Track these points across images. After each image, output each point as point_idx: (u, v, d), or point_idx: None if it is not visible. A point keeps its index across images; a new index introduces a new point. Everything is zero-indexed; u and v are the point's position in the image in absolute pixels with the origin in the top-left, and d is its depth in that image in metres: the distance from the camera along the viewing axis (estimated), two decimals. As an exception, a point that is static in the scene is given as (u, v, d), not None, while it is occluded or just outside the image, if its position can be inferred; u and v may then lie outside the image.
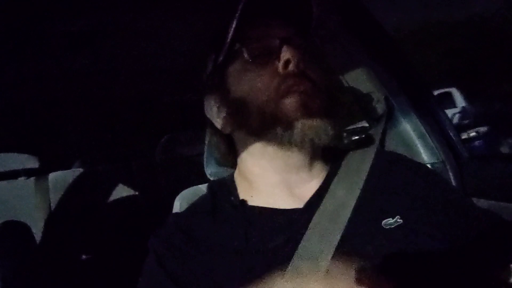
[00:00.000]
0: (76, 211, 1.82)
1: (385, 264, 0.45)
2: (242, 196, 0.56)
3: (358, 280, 0.43)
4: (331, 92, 0.54)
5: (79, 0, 0.82)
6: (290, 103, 0.49)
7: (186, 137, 1.96)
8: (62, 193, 1.83)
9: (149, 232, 0.55)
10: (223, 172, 0.66)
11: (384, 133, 0.84)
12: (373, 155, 0.59)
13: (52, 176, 1.86)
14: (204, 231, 0.51)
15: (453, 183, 0.78)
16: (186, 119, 2.15)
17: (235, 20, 0.48)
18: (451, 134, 0.84)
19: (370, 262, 0.45)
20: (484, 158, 0.80)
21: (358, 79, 0.88)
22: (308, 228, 0.49)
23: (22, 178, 1.76)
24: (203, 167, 0.70)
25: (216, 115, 0.57)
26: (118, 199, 1.95)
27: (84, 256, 1.81)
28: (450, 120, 0.86)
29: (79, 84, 1.51)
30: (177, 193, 0.71)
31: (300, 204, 0.52)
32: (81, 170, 2.03)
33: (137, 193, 1.97)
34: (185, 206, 0.63)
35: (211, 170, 0.69)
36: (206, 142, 0.67)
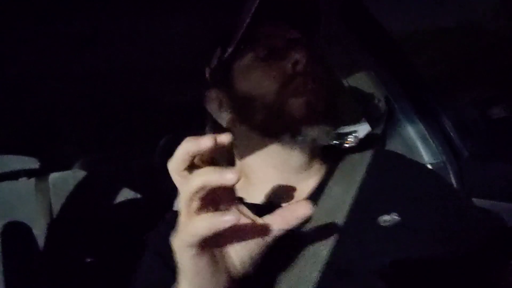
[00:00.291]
0: (76, 211, 1.83)
1: (381, 261, 0.44)
2: (239, 192, 0.56)
3: (355, 277, 0.43)
4: (332, 93, 0.55)
5: (79, 1, 0.82)
6: (296, 102, 0.50)
7: (187, 138, 1.96)
8: (63, 193, 1.84)
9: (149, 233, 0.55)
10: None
11: (384, 133, 0.84)
12: (371, 154, 0.59)
13: (52, 176, 1.86)
14: None
15: (454, 183, 0.78)
16: (186, 120, 2.14)
17: (248, 18, 0.49)
18: (451, 134, 0.84)
19: (367, 259, 0.45)
20: (484, 158, 0.80)
21: (359, 80, 0.88)
22: (305, 225, 0.49)
23: (22, 179, 1.76)
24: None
25: (217, 109, 0.58)
26: (118, 199, 1.95)
27: (84, 257, 1.81)
28: (451, 120, 0.86)
29: (80, 85, 1.51)
30: (178, 194, 0.71)
31: None
32: (81, 171, 2.03)
33: (137, 193, 1.97)
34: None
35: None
36: None
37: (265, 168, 0.55)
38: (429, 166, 0.79)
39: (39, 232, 1.62)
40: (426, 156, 0.80)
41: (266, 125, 0.52)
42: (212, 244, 0.34)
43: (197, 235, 0.31)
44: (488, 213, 0.57)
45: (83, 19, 0.93)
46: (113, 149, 2.36)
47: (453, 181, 0.78)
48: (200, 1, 0.89)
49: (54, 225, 1.74)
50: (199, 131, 0.62)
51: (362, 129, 0.85)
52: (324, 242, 0.46)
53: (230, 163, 0.63)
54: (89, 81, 1.46)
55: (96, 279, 1.76)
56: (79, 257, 1.80)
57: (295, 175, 0.55)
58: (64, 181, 1.87)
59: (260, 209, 0.52)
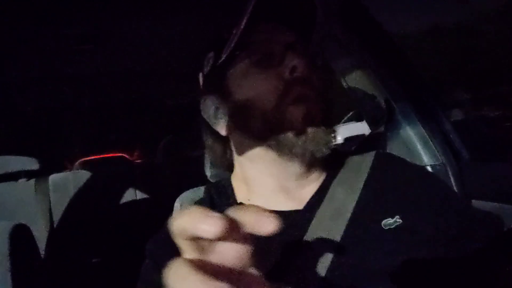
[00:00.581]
0: (76, 212, 1.82)
1: (385, 264, 0.45)
2: (240, 199, 0.56)
3: (360, 281, 0.43)
4: (329, 98, 0.54)
5: (80, 3, 0.83)
6: (296, 111, 0.49)
7: (187, 139, 1.97)
8: (63, 194, 1.83)
9: (149, 233, 0.55)
10: (224, 174, 0.66)
11: (384, 135, 0.84)
12: (372, 157, 0.59)
13: (52, 177, 1.86)
14: None
15: (454, 185, 0.78)
16: (187, 121, 2.15)
17: (243, 23, 0.48)
18: (451, 136, 0.84)
19: (370, 262, 0.45)
20: (484, 160, 0.80)
21: (358, 81, 0.88)
22: (309, 229, 0.49)
23: (22, 180, 1.76)
24: (203, 169, 0.69)
25: (214, 116, 0.56)
26: (118, 200, 1.95)
27: (84, 258, 1.81)
28: (451, 122, 0.86)
29: (81, 87, 1.51)
30: (178, 195, 0.71)
31: (299, 206, 0.52)
32: (81, 171, 2.03)
33: (137, 195, 1.97)
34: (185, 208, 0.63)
35: (211, 172, 0.68)
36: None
37: (264, 177, 0.54)
38: (429, 168, 0.79)
39: (39, 232, 1.61)
40: (426, 158, 0.80)
41: (264, 133, 0.50)
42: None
43: None
44: (488, 214, 0.57)
45: (84, 21, 0.93)
46: (113, 150, 2.36)
47: (453, 182, 0.78)
48: (200, 4, 0.89)
49: (54, 225, 1.74)
50: (200, 133, 0.62)
51: (361, 130, 0.85)
52: (328, 246, 0.46)
53: (229, 170, 0.62)
54: (89, 82, 1.46)
55: (97, 279, 1.76)
56: (79, 257, 1.80)
57: (295, 183, 0.54)
58: (64, 182, 1.87)
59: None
